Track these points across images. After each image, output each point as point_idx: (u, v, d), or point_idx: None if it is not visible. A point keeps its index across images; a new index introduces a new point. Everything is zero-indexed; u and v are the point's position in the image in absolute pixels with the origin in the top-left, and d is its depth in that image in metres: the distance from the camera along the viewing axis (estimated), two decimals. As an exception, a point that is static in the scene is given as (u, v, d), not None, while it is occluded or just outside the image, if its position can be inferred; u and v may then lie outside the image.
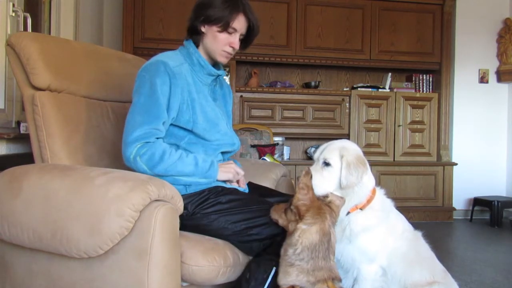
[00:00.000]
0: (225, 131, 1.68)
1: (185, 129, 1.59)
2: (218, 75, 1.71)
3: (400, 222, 1.80)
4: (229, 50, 1.64)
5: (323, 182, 1.76)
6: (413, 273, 1.74)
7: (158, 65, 1.53)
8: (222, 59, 1.66)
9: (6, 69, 2.31)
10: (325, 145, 1.83)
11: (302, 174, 1.37)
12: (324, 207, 1.38)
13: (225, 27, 1.59)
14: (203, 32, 1.63)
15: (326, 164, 1.77)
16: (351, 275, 1.74)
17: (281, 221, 1.38)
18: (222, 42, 1.61)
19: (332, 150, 1.78)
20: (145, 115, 1.49)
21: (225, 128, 1.69)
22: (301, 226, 1.31)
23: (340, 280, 1.32)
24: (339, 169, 1.74)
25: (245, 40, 1.69)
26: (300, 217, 1.32)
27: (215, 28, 1.60)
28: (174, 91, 1.53)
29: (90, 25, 3.64)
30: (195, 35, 1.66)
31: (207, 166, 1.55)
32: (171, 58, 1.58)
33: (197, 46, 1.66)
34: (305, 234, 1.30)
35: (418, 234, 1.84)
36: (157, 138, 1.51)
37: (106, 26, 4.03)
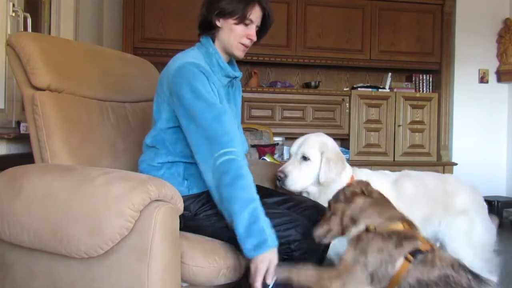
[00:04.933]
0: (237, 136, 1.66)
1: None
2: (235, 77, 1.69)
3: (384, 192, 1.83)
4: (247, 42, 1.60)
5: (302, 177, 1.76)
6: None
7: (190, 68, 1.49)
8: (239, 53, 1.62)
9: (6, 69, 2.31)
10: (301, 139, 1.83)
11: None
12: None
13: (242, 19, 1.55)
14: (218, 26, 1.59)
15: (305, 158, 1.76)
16: None
17: (333, 225, 1.35)
18: (239, 34, 1.57)
19: (312, 145, 1.78)
20: (222, 122, 1.44)
21: (237, 133, 1.67)
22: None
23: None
24: (318, 164, 1.74)
25: (261, 31, 1.65)
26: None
27: (231, 21, 1.56)
28: (213, 88, 1.51)
29: (90, 25, 3.64)
30: (209, 31, 1.61)
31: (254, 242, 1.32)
32: (196, 58, 1.55)
33: (212, 42, 1.62)
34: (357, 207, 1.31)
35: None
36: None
37: (106, 26, 4.03)
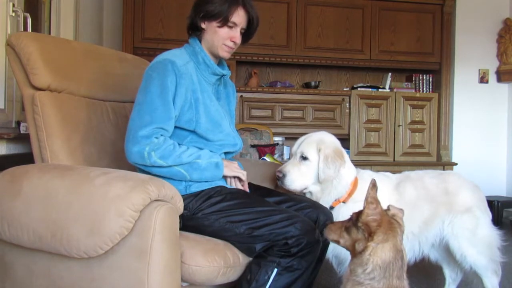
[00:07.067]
0: (228, 132, 1.68)
1: (186, 129, 1.59)
2: (223, 75, 1.71)
3: (386, 196, 1.82)
4: (230, 44, 1.63)
5: (300, 177, 1.76)
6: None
7: (165, 64, 1.53)
8: (224, 54, 1.65)
9: (6, 69, 2.31)
10: (302, 138, 1.84)
11: (369, 187, 1.21)
12: (392, 220, 1.24)
13: (225, 22, 1.59)
14: (203, 29, 1.63)
15: (304, 158, 1.77)
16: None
17: (343, 241, 1.27)
18: (223, 36, 1.61)
19: (310, 144, 1.78)
20: (153, 114, 1.49)
21: (228, 129, 1.69)
22: (372, 244, 1.19)
23: None
24: (317, 163, 1.74)
25: (246, 34, 1.68)
26: (370, 234, 1.20)
27: (215, 24, 1.60)
28: (179, 91, 1.53)
29: (90, 25, 3.64)
30: (195, 32, 1.66)
31: (213, 166, 1.57)
32: (178, 57, 1.58)
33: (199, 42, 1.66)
34: (377, 252, 1.18)
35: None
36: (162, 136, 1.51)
37: (106, 26, 4.03)
